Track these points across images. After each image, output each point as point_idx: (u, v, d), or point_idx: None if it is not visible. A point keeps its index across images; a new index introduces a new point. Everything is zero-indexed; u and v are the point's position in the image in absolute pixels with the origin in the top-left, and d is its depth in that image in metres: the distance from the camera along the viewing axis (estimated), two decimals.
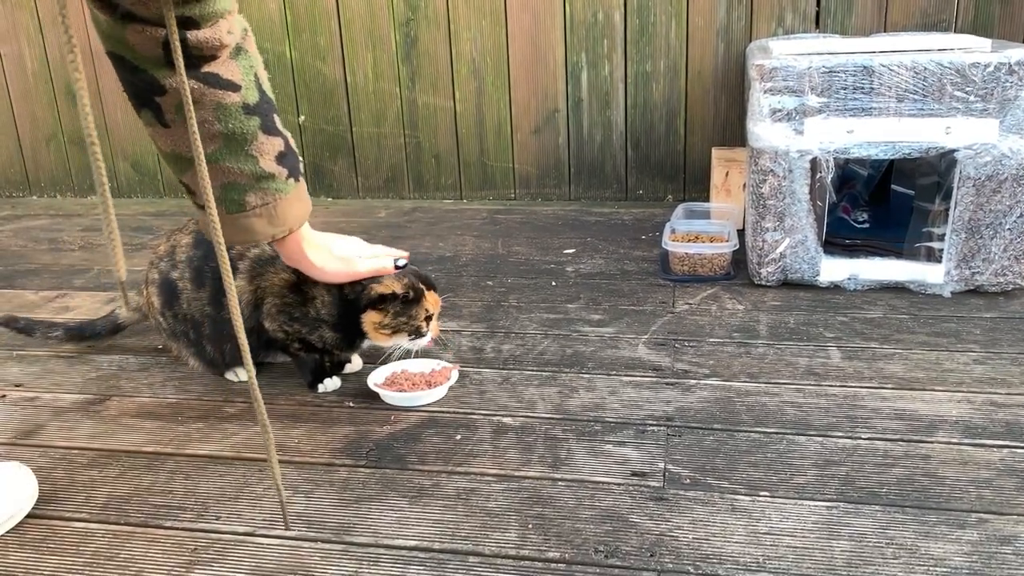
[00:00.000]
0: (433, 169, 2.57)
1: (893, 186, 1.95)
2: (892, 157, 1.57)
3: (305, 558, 0.92)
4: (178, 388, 1.36)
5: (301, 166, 1.08)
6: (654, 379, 1.32)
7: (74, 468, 1.13)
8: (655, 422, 1.18)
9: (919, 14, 2.17)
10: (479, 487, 1.04)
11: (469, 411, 1.24)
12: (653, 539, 0.93)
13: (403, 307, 1.24)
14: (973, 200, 1.54)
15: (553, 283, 1.79)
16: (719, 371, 1.33)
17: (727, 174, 2.11)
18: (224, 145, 0.98)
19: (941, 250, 1.62)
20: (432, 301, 1.27)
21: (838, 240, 1.76)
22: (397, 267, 1.25)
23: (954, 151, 1.52)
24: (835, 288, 1.66)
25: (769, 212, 1.63)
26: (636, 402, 1.24)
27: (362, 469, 1.10)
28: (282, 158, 1.03)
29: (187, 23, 0.88)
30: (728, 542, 0.92)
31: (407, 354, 1.32)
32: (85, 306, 1.75)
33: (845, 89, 1.53)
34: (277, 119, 1.03)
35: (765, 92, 1.57)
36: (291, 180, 1.05)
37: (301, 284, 1.25)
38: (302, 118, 2.59)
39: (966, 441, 1.10)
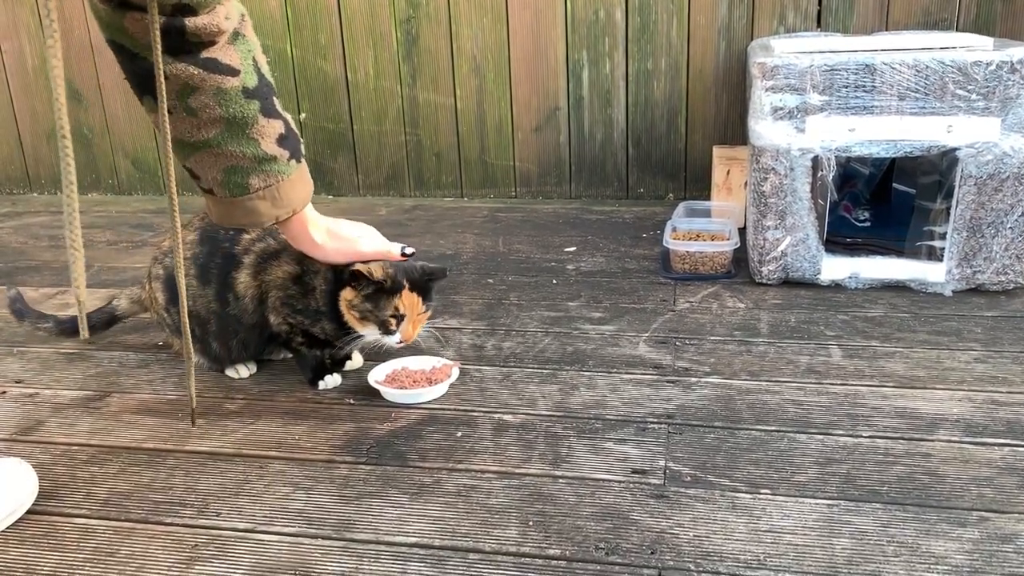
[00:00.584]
0: (434, 167, 2.57)
1: (894, 185, 1.95)
2: (893, 155, 1.57)
3: (305, 555, 0.92)
4: (178, 385, 1.36)
5: (302, 147, 1.09)
6: (655, 377, 1.32)
7: (74, 464, 1.13)
8: (656, 420, 1.18)
9: (921, 13, 2.17)
10: (480, 484, 1.04)
11: (470, 408, 1.24)
12: (654, 536, 0.93)
13: (373, 293, 1.21)
14: (974, 199, 1.54)
15: (554, 281, 1.78)
16: (720, 369, 1.33)
17: (728, 172, 2.11)
18: (225, 129, 0.98)
19: (942, 249, 1.61)
20: (407, 301, 1.23)
21: (839, 239, 1.76)
22: (404, 255, 1.24)
23: (956, 150, 1.52)
24: (836, 287, 1.66)
25: (770, 210, 1.62)
26: (637, 400, 1.24)
27: (362, 466, 1.10)
28: (283, 140, 1.04)
29: (185, 10, 0.88)
30: (729, 540, 0.92)
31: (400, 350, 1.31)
32: (85, 302, 1.74)
33: (847, 87, 1.53)
34: (277, 102, 1.04)
35: (767, 90, 1.57)
36: (293, 161, 1.06)
37: (303, 275, 1.25)
38: (303, 115, 2.58)
39: (967, 439, 1.10)
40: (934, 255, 1.63)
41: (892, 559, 0.88)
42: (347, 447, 1.15)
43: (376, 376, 1.30)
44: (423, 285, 1.26)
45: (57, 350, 1.51)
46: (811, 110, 1.55)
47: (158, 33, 0.77)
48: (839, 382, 1.28)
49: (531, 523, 0.96)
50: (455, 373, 1.30)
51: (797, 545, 0.91)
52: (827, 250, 1.65)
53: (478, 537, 0.94)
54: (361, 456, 1.12)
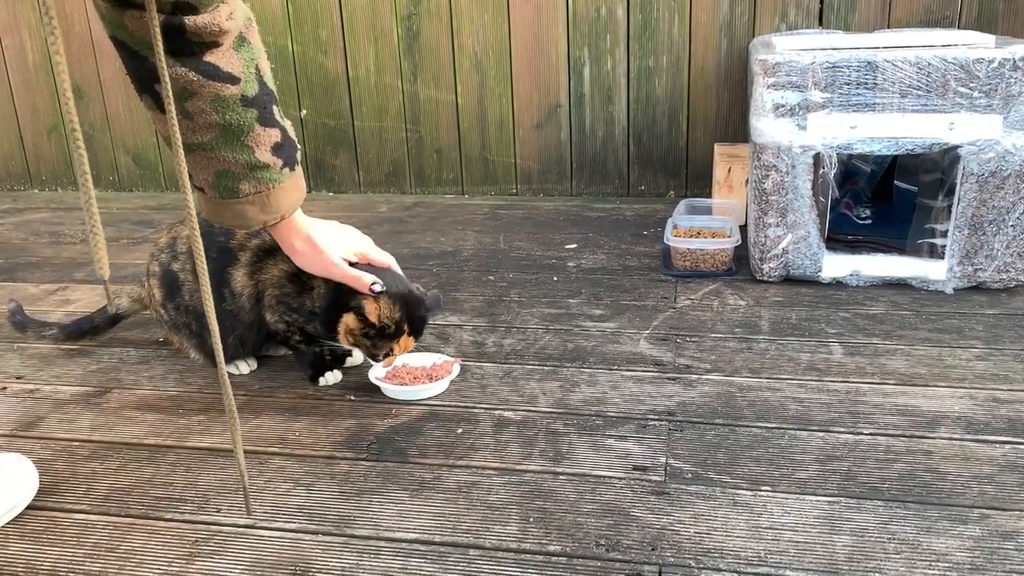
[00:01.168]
0: (435, 164, 2.57)
1: (896, 182, 1.95)
2: (895, 153, 1.57)
3: (305, 551, 0.92)
4: (179, 381, 1.36)
5: (298, 154, 1.09)
6: (656, 374, 1.31)
7: (75, 460, 1.13)
8: (657, 417, 1.18)
9: (923, 10, 2.17)
10: (480, 480, 1.04)
11: (470, 405, 1.24)
12: (654, 533, 0.93)
13: (376, 334, 1.22)
14: (976, 196, 1.54)
15: (555, 278, 1.78)
16: (721, 366, 1.33)
17: (729, 170, 2.11)
18: (220, 135, 0.99)
19: (944, 246, 1.61)
20: (403, 344, 1.25)
21: (840, 236, 1.76)
22: (372, 290, 1.20)
23: (957, 147, 1.52)
24: (837, 284, 1.66)
25: (771, 208, 1.62)
26: (638, 397, 1.24)
27: (363, 462, 1.10)
28: (278, 149, 1.04)
29: (185, 8, 0.88)
30: (729, 536, 0.92)
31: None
32: (86, 299, 1.75)
33: (848, 85, 1.53)
34: (276, 110, 1.03)
35: (768, 87, 1.56)
36: (286, 169, 1.06)
37: (300, 274, 1.25)
38: (304, 112, 2.58)
39: (968, 437, 1.10)
40: (935, 253, 1.63)
41: (893, 556, 0.88)
42: (347, 443, 1.15)
43: (377, 372, 1.30)
44: (422, 325, 1.27)
45: (57, 346, 1.51)
46: (813, 107, 1.55)
47: (158, 31, 0.77)
48: (840, 379, 1.27)
49: (531, 519, 0.96)
50: (456, 370, 1.30)
51: (798, 542, 0.90)
52: (828, 247, 1.65)
53: (478, 533, 0.94)
54: (361, 452, 1.12)
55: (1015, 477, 1.01)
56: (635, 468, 1.06)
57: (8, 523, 0.99)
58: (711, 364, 1.34)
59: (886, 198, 1.99)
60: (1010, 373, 1.28)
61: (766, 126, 1.58)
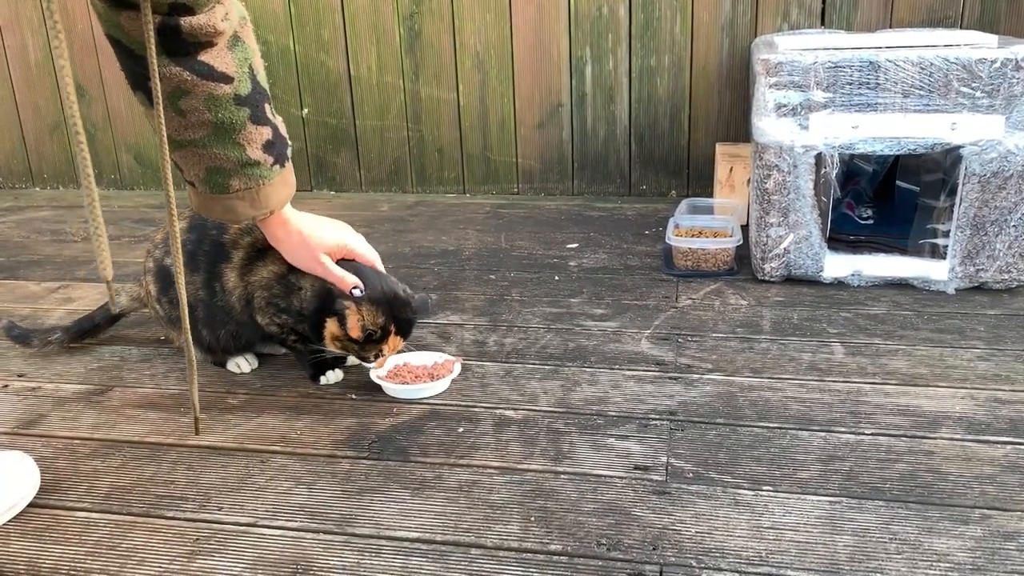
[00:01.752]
0: (436, 163, 2.57)
1: (898, 182, 1.95)
2: (897, 153, 1.57)
3: (307, 549, 0.92)
4: (180, 379, 1.36)
5: (289, 151, 1.10)
6: (657, 373, 1.31)
7: (76, 458, 1.13)
8: (658, 416, 1.18)
9: (925, 10, 2.17)
10: (481, 480, 1.04)
11: (471, 404, 1.24)
12: (656, 533, 0.93)
13: (364, 339, 1.22)
14: (978, 197, 1.54)
15: (556, 277, 1.78)
16: (722, 366, 1.33)
17: (731, 169, 2.11)
18: (212, 133, 1.00)
19: (945, 247, 1.61)
20: (390, 345, 1.24)
21: (842, 236, 1.76)
22: (353, 295, 1.21)
23: (959, 147, 1.52)
24: (839, 284, 1.66)
25: (773, 208, 1.62)
26: (639, 396, 1.24)
27: (364, 461, 1.10)
28: (269, 146, 1.05)
29: (181, 9, 0.88)
30: (731, 536, 0.92)
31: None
32: (88, 297, 1.75)
33: (850, 84, 1.53)
34: (268, 108, 1.05)
35: (770, 87, 1.56)
36: (276, 167, 1.08)
37: (288, 275, 1.25)
38: (305, 111, 2.58)
39: (969, 437, 1.10)
40: (937, 253, 1.63)
41: (894, 556, 0.88)
42: (349, 442, 1.15)
43: (378, 371, 1.30)
44: (409, 327, 1.26)
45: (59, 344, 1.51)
46: (815, 107, 1.55)
47: (152, 32, 0.78)
48: (841, 379, 1.27)
49: (533, 519, 0.96)
50: (457, 369, 1.30)
51: (799, 542, 0.90)
52: (830, 247, 1.65)
53: (480, 532, 0.94)
54: (363, 451, 1.12)
55: (1016, 477, 1.01)
56: (636, 467, 1.06)
57: (10, 521, 0.99)
58: (712, 364, 1.34)
59: (888, 198, 1.99)
60: (1011, 373, 1.28)
61: (768, 126, 1.58)
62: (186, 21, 0.89)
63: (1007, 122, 1.49)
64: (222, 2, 0.92)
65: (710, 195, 2.22)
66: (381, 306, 1.22)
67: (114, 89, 2.69)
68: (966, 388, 1.24)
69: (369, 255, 1.27)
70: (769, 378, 1.29)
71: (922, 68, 1.49)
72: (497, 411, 1.22)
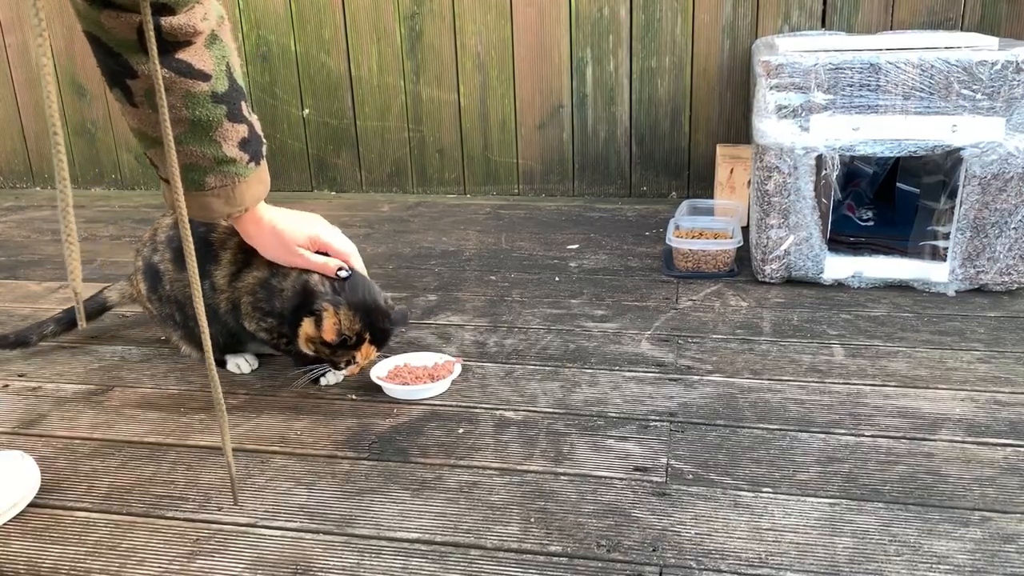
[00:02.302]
0: (437, 163, 2.57)
1: (898, 184, 1.95)
2: (898, 155, 1.57)
3: (307, 550, 0.92)
4: (180, 379, 1.36)
5: (264, 149, 1.11)
6: (657, 375, 1.31)
7: (76, 458, 1.13)
8: (658, 417, 1.18)
9: (926, 12, 2.17)
10: (481, 480, 1.04)
11: (471, 405, 1.24)
12: (655, 534, 0.93)
13: (337, 344, 1.21)
14: (978, 199, 1.54)
15: (556, 278, 1.78)
16: (722, 367, 1.33)
17: (732, 171, 2.11)
18: (189, 130, 1.01)
19: (946, 249, 1.61)
20: (363, 353, 1.24)
21: (843, 238, 1.76)
22: (339, 276, 1.21)
23: (960, 149, 1.52)
24: (839, 286, 1.66)
25: (774, 209, 1.62)
26: (639, 397, 1.24)
27: (364, 461, 1.10)
28: (245, 144, 1.07)
29: (162, 9, 0.90)
30: (730, 538, 0.92)
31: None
32: (88, 297, 1.74)
33: (851, 86, 1.53)
34: (244, 106, 1.06)
35: (771, 88, 1.56)
36: (251, 164, 1.09)
37: (271, 279, 1.24)
38: (306, 111, 2.58)
39: (969, 439, 1.10)
40: (937, 255, 1.63)
41: (894, 558, 0.88)
42: (349, 443, 1.15)
43: (378, 372, 1.30)
44: (385, 337, 1.26)
45: (59, 344, 1.51)
46: (815, 109, 1.55)
47: (152, 35, 0.79)
48: (841, 381, 1.27)
49: (533, 520, 0.96)
50: (457, 369, 1.30)
51: (799, 544, 0.90)
52: (830, 249, 1.65)
53: (479, 533, 0.94)
54: (363, 452, 1.12)
55: (1016, 480, 1.01)
56: (636, 469, 1.06)
57: (10, 521, 0.99)
58: (712, 365, 1.34)
59: (888, 200, 1.99)
60: (1012, 375, 1.28)
61: (769, 127, 1.58)
62: (167, 21, 0.91)
63: (1008, 124, 1.49)
64: (201, 2, 0.94)
65: (711, 196, 2.22)
66: (359, 312, 1.21)
67: None
68: (966, 390, 1.24)
69: (343, 247, 1.25)
70: (769, 380, 1.29)
71: (923, 70, 1.49)
72: (497, 412, 1.22)
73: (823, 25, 2.22)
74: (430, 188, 2.60)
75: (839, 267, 1.65)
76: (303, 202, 2.41)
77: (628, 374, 1.32)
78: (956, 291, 1.61)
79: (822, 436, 1.12)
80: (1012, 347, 1.37)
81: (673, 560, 0.89)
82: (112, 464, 1.11)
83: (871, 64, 1.51)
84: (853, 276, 1.65)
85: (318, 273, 1.22)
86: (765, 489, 1.00)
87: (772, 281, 1.69)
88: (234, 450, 1.13)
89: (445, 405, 1.24)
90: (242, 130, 1.05)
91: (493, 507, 0.99)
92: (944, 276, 1.61)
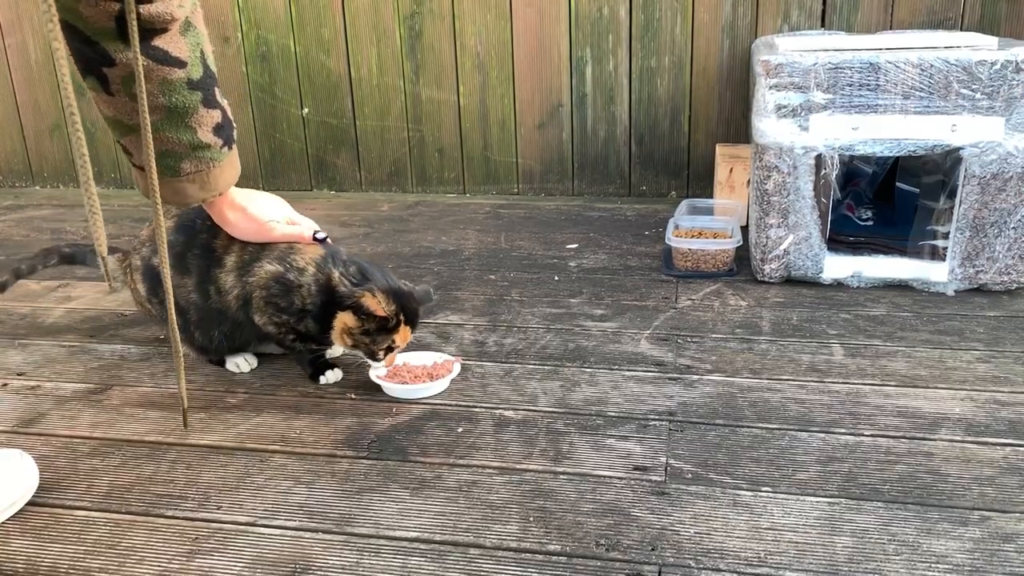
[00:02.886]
0: (436, 163, 2.57)
1: (898, 184, 1.95)
2: (897, 154, 1.57)
3: (306, 548, 0.92)
4: None
5: (235, 133, 1.13)
6: (656, 374, 1.31)
7: (76, 457, 1.13)
8: (657, 417, 1.18)
9: (925, 12, 2.17)
10: (480, 479, 1.04)
11: (471, 404, 1.24)
12: (655, 533, 0.93)
13: (376, 328, 1.22)
14: (978, 198, 1.54)
15: (556, 278, 1.78)
16: (722, 367, 1.33)
17: (731, 170, 2.11)
18: (166, 117, 1.02)
19: (945, 248, 1.61)
20: (402, 336, 1.25)
21: (842, 237, 1.76)
22: (316, 239, 1.25)
23: (959, 149, 1.52)
24: (839, 285, 1.66)
25: (773, 209, 1.62)
26: (638, 397, 1.24)
27: (364, 460, 1.10)
28: (219, 129, 1.08)
29: None
30: (730, 537, 0.92)
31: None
32: (87, 296, 1.75)
33: (851, 86, 1.53)
34: (217, 91, 1.07)
35: (771, 88, 1.56)
36: (225, 149, 1.10)
37: (286, 273, 1.24)
38: (306, 111, 2.58)
39: (969, 439, 1.10)
40: (937, 254, 1.63)
41: (893, 557, 0.88)
42: (348, 442, 1.15)
43: (378, 371, 1.30)
44: (416, 317, 1.27)
45: (59, 343, 1.51)
46: (815, 108, 1.55)
47: (135, 24, 0.79)
48: (841, 381, 1.27)
49: (532, 519, 0.96)
50: (456, 369, 1.30)
51: (798, 543, 0.91)
52: (830, 249, 1.65)
53: (479, 532, 0.94)
54: (362, 451, 1.12)
55: (1015, 479, 1.01)
56: (635, 468, 1.06)
57: (9, 519, 0.99)
58: (712, 364, 1.34)
59: (888, 200, 1.99)
60: (1011, 375, 1.28)
61: (768, 127, 1.58)
62: (144, 9, 0.92)
63: (1007, 124, 1.49)
64: None
65: (710, 196, 2.22)
66: (389, 295, 1.23)
67: None
68: (965, 390, 1.24)
69: (307, 223, 1.29)
70: (768, 379, 1.29)
71: (922, 70, 1.49)
72: (497, 411, 1.22)
73: (823, 25, 2.22)
74: (430, 188, 2.60)
75: (838, 267, 1.65)
76: (303, 202, 2.41)
77: (627, 373, 1.32)
78: (955, 291, 1.61)
79: (821, 435, 1.12)
80: (1011, 347, 1.37)
81: (672, 559, 0.89)
82: (111, 463, 1.11)
83: (870, 64, 1.51)
84: (852, 276, 1.65)
85: (321, 261, 1.25)
86: (764, 488, 1.00)
87: (771, 281, 1.69)
88: (235, 449, 1.14)
89: (444, 404, 1.24)
90: (216, 115, 1.07)
91: (492, 506, 0.99)
92: (943, 276, 1.61)
